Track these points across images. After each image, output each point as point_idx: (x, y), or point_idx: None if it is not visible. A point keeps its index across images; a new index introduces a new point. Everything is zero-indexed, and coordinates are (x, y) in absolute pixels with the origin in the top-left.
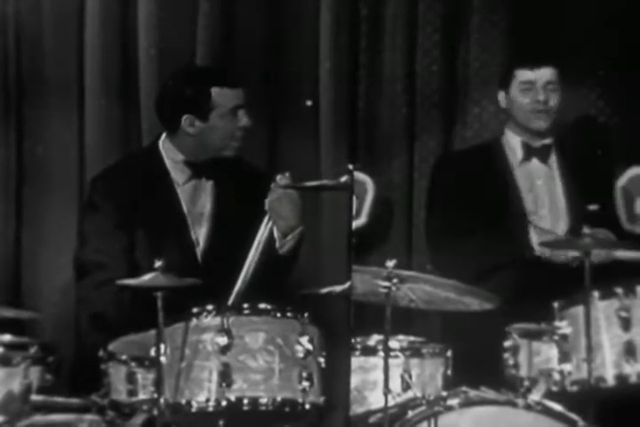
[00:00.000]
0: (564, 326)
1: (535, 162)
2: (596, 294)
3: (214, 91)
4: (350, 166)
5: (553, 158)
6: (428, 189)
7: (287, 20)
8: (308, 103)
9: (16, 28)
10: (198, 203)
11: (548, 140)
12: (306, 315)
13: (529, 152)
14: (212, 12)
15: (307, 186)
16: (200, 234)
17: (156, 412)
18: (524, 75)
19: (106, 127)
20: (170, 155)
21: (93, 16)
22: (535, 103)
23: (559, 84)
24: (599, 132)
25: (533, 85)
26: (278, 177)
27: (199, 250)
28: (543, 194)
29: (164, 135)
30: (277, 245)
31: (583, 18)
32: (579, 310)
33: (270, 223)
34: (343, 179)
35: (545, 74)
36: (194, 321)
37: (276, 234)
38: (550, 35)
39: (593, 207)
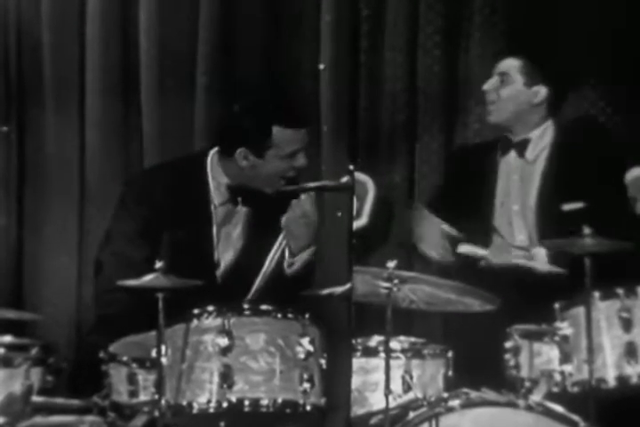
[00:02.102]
0: (564, 327)
1: (512, 155)
2: (596, 294)
3: (275, 130)
4: (351, 167)
5: (541, 155)
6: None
7: (287, 20)
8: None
9: (16, 27)
10: (228, 226)
11: (530, 135)
12: (307, 316)
13: (507, 146)
14: (212, 12)
15: (307, 187)
16: (223, 257)
17: (156, 413)
18: None
19: (106, 127)
20: (215, 174)
21: (94, 16)
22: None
23: (517, 76)
24: (599, 133)
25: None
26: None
27: (219, 272)
28: (516, 189)
29: (212, 153)
30: (285, 264)
31: (584, 17)
32: (579, 310)
33: (284, 241)
34: (344, 179)
35: (505, 64)
36: (195, 322)
37: (287, 252)
38: (550, 35)
39: (571, 206)
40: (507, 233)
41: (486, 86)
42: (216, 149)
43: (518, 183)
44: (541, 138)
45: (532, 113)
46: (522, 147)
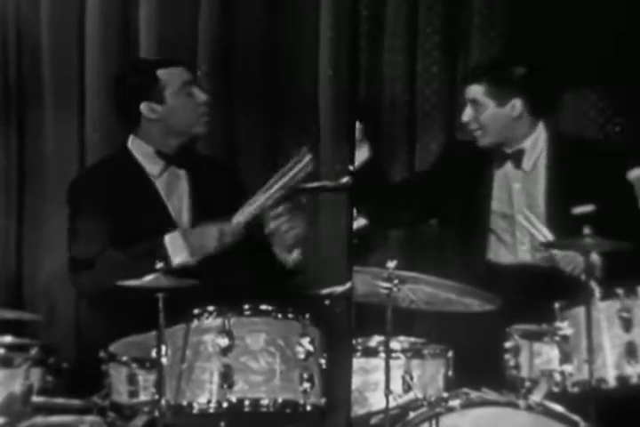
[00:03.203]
0: (565, 327)
1: (509, 166)
2: (597, 294)
3: (160, 72)
4: (350, 167)
5: (538, 163)
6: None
7: (287, 21)
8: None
9: (16, 28)
10: (175, 193)
11: (523, 145)
12: (307, 316)
13: (502, 158)
14: (212, 12)
15: (307, 187)
16: (182, 224)
17: (156, 413)
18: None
19: (106, 127)
20: (140, 150)
21: (93, 16)
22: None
23: (486, 100)
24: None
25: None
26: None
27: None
28: (520, 198)
29: (131, 136)
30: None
31: (583, 18)
32: (580, 310)
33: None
34: (344, 179)
35: (471, 91)
36: (195, 322)
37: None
38: (550, 35)
39: (582, 210)
40: (510, 243)
41: (464, 118)
42: (131, 134)
43: (521, 192)
44: (535, 146)
45: (517, 125)
46: (517, 158)
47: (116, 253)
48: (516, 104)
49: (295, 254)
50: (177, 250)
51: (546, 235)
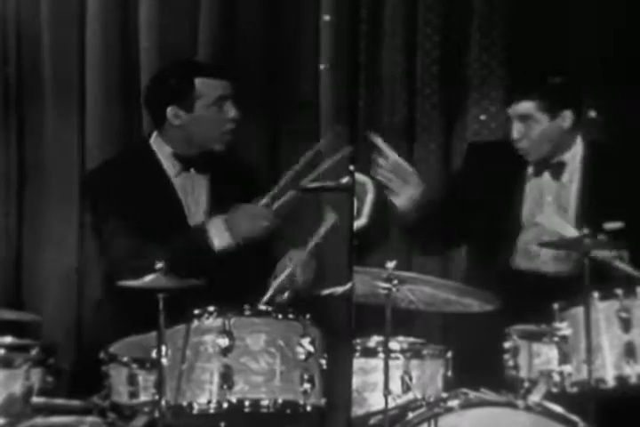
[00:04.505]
0: (564, 328)
1: (547, 177)
2: (595, 294)
3: (198, 81)
4: (351, 167)
5: (574, 176)
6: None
7: (287, 20)
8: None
9: (16, 28)
10: (190, 196)
11: (564, 157)
12: (307, 316)
13: (542, 167)
14: (212, 13)
15: (308, 187)
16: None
17: (157, 414)
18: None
19: (106, 127)
20: (160, 149)
21: (94, 16)
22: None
23: (539, 115)
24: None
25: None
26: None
27: None
28: (550, 210)
29: (155, 133)
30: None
31: (583, 17)
32: (579, 311)
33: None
34: (344, 180)
35: (521, 107)
36: (195, 323)
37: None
38: (549, 35)
39: (612, 226)
40: (536, 253)
41: (516, 136)
42: (155, 131)
43: (552, 205)
44: (574, 159)
45: (564, 138)
46: (558, 169)
47: (158, 247)
48: (567, 115)
49: (285, 295)
50: (219, 233)
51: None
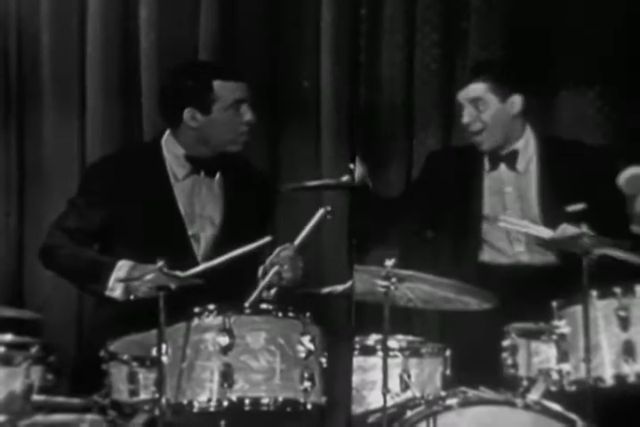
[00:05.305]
0: (562, 326)
1: (503, 168)
2: (594, 293)
3: (216, 83)
4: (351, 166)
5: (530, 165)
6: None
7: (287, 20)
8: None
9: (17, 28)
10: (198, 200)
11: (516, 146)
12: (307, 314)
13: (496, 160)
14: (212, 13)
15: (308, 186)
16: (202, 234)
17: (157, 412)
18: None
19: (106, 127)
20: (171, 149)
21: (94, 16)
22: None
23: (489, 96)
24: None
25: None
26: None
27: (199, 249)
28: (513, 201)
29: (167, 132)
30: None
31: (581, 16)
32: (577, 309)
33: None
34: (344, 178)
35: (472, 90)
36: (195, 321)
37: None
38: (548, 33)
39: (574, 208)
40: (503, 246)
41: (466, 119)
42: (168, 130)
43: (514, 195)
44: (527, 147)
45: (514, 125)
46: (511, 159)
47: (79, 252)
48: (516, 100)
49: (272, 291)
50: (116, 281)
51: (541, 231)
